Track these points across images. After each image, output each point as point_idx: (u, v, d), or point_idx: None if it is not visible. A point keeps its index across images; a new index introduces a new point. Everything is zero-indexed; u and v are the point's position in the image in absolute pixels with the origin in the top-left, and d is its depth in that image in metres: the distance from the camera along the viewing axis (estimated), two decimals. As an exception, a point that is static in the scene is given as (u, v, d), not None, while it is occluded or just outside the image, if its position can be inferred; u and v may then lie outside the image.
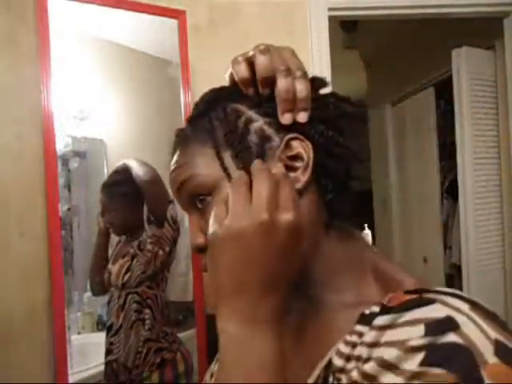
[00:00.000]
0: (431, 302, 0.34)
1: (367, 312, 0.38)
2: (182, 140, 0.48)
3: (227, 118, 0.45)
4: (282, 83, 0.42)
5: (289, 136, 0.43)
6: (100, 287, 1.49)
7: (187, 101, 1.59)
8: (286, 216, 0.37)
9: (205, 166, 0.44)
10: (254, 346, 0.36)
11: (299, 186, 0.42)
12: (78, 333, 1.51)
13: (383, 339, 0.34)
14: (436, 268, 2.88)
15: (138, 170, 1.42)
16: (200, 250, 0.47)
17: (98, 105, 1.58)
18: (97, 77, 1.58)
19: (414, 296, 0.36)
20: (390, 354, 0.33)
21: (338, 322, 0.42)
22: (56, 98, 1.36)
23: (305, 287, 0.45)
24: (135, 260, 1.41)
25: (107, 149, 1.62)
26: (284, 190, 0.39)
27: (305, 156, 0.42)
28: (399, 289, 0.39)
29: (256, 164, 0.41)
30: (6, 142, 1.36)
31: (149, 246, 1.41)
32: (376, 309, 0.38)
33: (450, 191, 2.85)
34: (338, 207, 0.45)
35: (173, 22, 1.58)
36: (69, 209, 1.46)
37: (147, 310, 1.42)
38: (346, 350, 0.38)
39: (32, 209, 1.37)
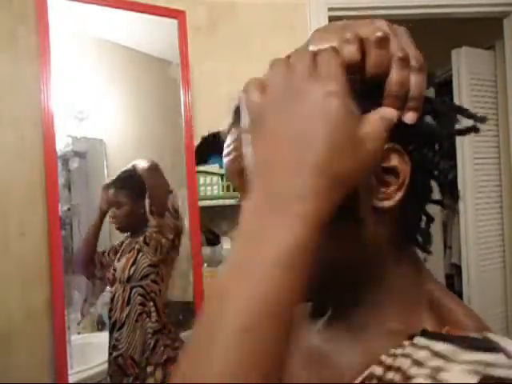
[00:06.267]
0: (496, 350, 0.31)
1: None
2: None
3: None
4: (397, 75, 0.34)
5: (388, 145, 0.35)
6: (86, 268, 1.52)
7: (187, 101, 1.58)
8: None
9: None
10: (276, 233, 0.28)
11: (390, 203, 0.36)
12: (78, 333, 1.51)
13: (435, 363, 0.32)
14: (436, 268, 2.88)
15: (139, 163, 1.50)
16: None
17: (98, 105, 1.58)
18: (97, 77, 1.58)
19: (478, 336, 0.33)
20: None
21: (376, 348, 0.38)
22: (56, 98, 1.36)
23: (353, 304, 0.41)
24: (140, 254, 1.47)
25: (107, 149, 1.62)
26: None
27: (402, 173, 0.36)
28: (459, 328, 0.36)
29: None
30: (6, 142, 1.35)
31: (154, 235, 1.48)
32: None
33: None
34: (412, 231, 0.42)
35: (173, 22, 1.58)
36: (69, 209, 1.46)
37: (151, 303, 1.46)
38: (387, 360, 0.36)
39: (32, 209, 1.37)
